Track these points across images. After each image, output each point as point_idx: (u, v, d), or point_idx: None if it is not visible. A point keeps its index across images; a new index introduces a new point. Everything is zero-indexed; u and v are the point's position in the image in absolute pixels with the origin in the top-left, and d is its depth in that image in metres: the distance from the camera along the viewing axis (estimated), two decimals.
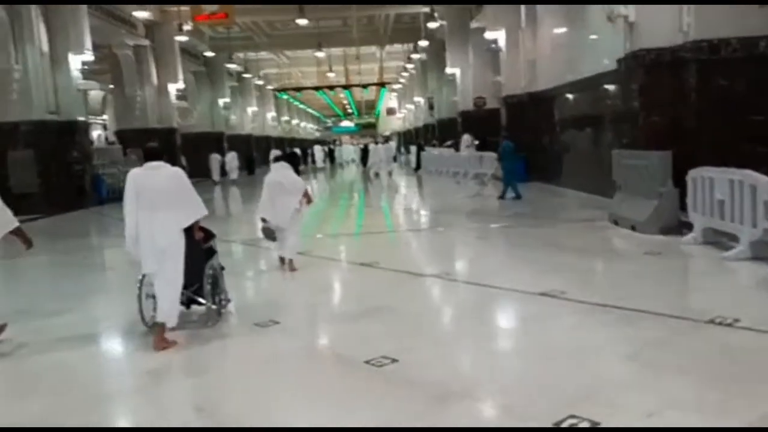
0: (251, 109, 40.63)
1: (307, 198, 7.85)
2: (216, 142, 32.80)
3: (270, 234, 7.65)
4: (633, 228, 9.16)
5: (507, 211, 12.57)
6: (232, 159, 28.74)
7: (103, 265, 10.01)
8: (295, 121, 63.44)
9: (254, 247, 9.79)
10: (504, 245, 9.19)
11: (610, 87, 12.51)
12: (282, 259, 7.81)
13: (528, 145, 18.24)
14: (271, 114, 47.66)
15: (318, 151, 41.73)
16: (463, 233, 10.46)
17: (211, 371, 4.61)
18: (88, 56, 18.74)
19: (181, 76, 26.72)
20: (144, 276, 5.19)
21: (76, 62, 18.50)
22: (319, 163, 40.29)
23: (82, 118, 19.13)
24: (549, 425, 3.28)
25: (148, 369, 4.59)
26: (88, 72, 20.44)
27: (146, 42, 25.19)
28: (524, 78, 18.45)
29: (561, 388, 3.75)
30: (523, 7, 18.06)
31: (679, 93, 9.84)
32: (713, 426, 3.25)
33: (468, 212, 12.91)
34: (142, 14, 23.48)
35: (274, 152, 26.65)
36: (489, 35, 19.67)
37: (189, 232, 5.17)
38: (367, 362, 4.32)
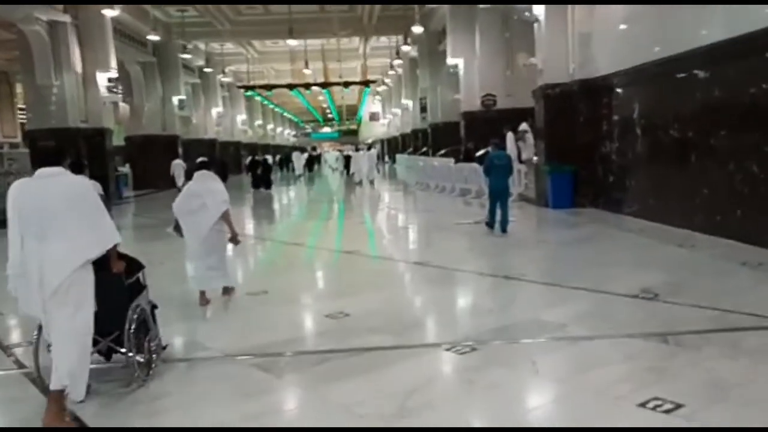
0: (216, 110, 34.05)
1: (231, 231, 6.08)
2: (168, 146, 26.26)
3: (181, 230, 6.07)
4: None
5: (610, 273, 6.45)
6: None
7: None
8: (270, 126, 56.80)
9: None
10: None
11: None
12: (203, 294, 6.05)
13: (577, 154, 12.21)
14: (241, 117, 41.06)
15: (298, 158, 36.45)
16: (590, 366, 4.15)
17: None
18: None
19: (114, 64, 20.11)
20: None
21: None
22: (299, 171, 35.05)
23: None
24: None
25: None
26: None
27: (66, 17, 18.62)
28: (574, 60, 12.38)
29: None
30: None
31: None
32: None
33: (535, 273, 6.80)
34: None
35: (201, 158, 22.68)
36: None
37: (105, 264, 3.75)
38: None
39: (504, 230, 9.75)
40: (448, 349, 4.49)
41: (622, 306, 5.47)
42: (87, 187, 3.79)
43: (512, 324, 5.10)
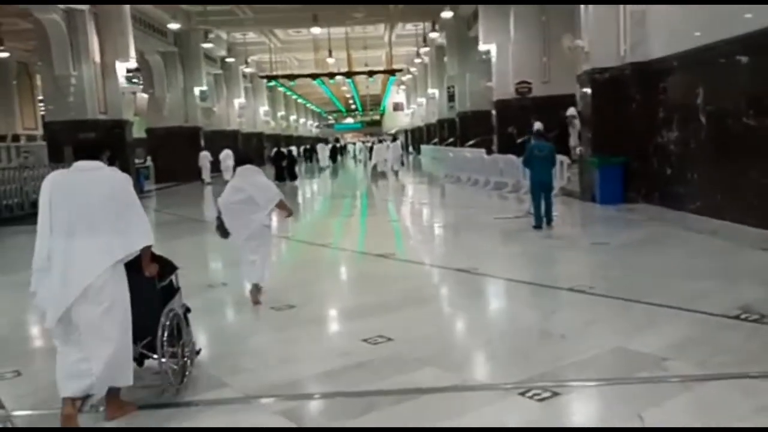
0: (238, 101, 33.31)
1: (286, 210, 6.35)
2: (190, 138, 25.64)
3: (224, 231, 5.83)
4: None
5: None
6: (226, 157, 22.65)
7: None
8: (293, 117, 56.06)
9: None
10: None
11: None
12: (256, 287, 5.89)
13: (628, 145, 11.13)
14: (263, 108, 40.31)
15: (323, 149, 36.04)
16: None
17: None
18: None
19: (133, 53, 19.41)
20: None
21: None
22: (323, 162, 34.64)
23: None
24: None
25: None
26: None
27: (83, 6, 17.93)
28: (625, 41, 11.26)
29: None
30: None
31: None
32: None
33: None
34: None
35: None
36: None
37: (137, 266, 3.50)
38: None
39: (549, 222, 9.36)
40: (522, 393, 3.55)
41: (725, 331, 4.47)
42: (124, 184, 3.53)
43: (595, 356, 4.13)
